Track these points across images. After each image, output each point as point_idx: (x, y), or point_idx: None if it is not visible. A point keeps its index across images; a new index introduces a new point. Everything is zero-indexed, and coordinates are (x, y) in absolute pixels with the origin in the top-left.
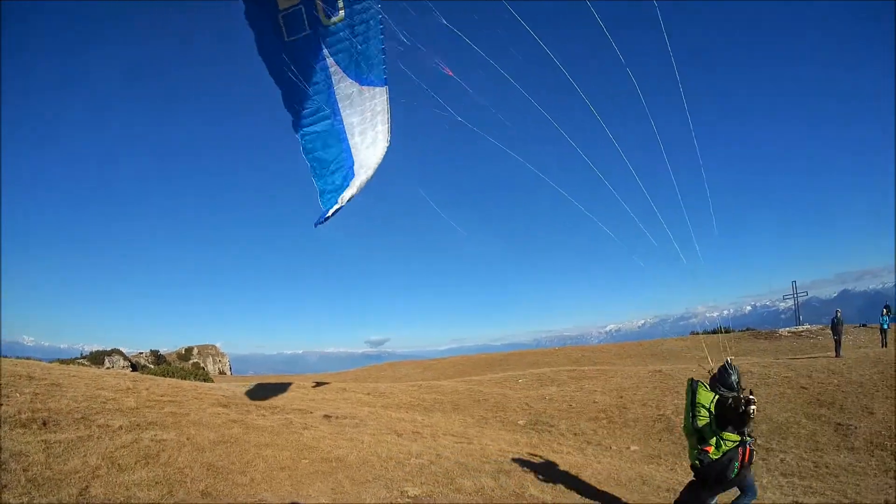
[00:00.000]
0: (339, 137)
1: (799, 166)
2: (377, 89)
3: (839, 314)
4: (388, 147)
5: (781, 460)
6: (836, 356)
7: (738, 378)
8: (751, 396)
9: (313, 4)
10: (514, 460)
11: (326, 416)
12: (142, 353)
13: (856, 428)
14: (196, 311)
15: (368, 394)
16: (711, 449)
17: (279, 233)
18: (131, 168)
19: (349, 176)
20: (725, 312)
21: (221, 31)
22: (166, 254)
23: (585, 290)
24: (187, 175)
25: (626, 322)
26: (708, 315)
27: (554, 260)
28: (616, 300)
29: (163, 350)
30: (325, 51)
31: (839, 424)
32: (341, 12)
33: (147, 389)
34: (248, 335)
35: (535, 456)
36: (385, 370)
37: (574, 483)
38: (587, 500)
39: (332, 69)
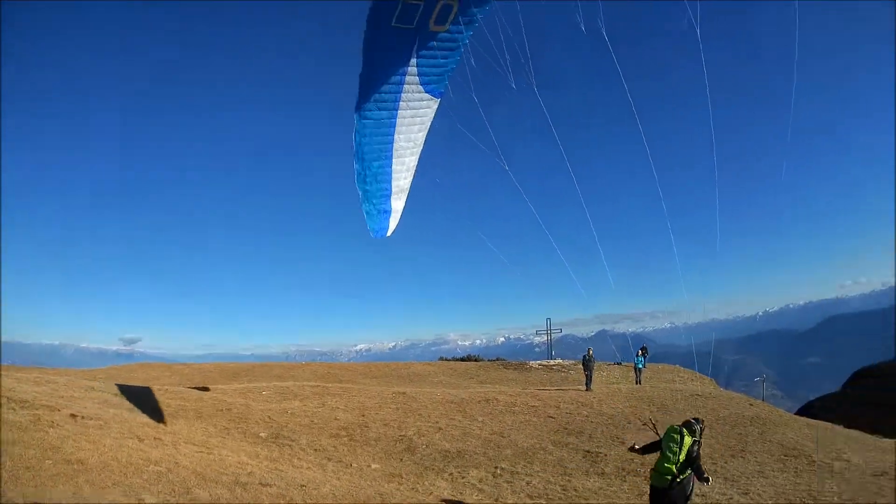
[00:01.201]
0: (386, 133)
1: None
2: (433, 100)
3: (590, 351)
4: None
5: (528, 483)
6: (587, 390)
7: (702, 425)
8: (709, 478)
9: (433, 7)
10: (253, 473)
11: (73, 416)
12: None
13: (605, 455)
14: None
15: (116, 394)
16: (682, 477)
17: (42, 216)
18: None
19: (386, 202)
20: (478, 342)
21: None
22: None
23: (339, 308)
24: None
25: (378, 343)
26: (460, 343)
27: (309, 274)
28: (369, 321)
29: None
30: (415, 51)
31: (588, 451)
32: (448, 25)
33: None
34: (5, 320)
35: (275, 469)
36: (135, 371)
37: (311, 498)
38: None
39: (410, 68)
